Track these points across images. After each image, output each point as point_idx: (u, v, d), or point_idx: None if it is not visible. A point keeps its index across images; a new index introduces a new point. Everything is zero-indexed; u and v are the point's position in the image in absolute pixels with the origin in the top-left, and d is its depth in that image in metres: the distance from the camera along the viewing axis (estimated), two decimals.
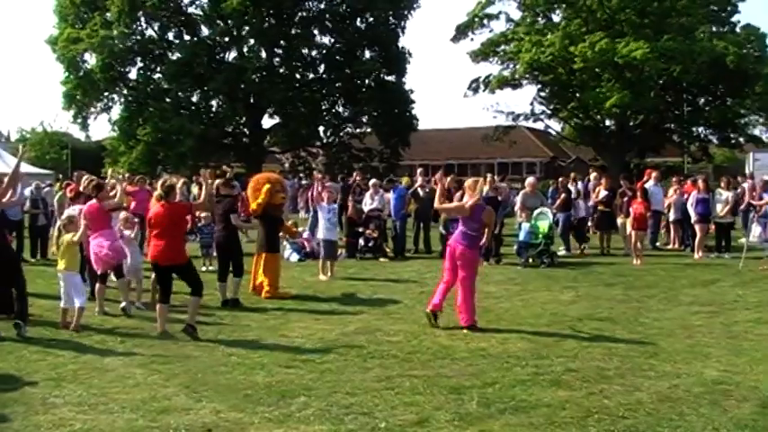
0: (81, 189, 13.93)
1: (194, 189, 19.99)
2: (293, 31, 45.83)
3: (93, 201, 11.94)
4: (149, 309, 11.97)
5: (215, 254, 16.00)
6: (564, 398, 7.45)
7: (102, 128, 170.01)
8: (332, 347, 9.66)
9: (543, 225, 18.32)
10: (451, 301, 11.17)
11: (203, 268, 17.11)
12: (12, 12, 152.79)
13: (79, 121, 48.92)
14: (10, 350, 9.78)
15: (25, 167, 41.13)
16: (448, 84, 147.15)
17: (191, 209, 12.29)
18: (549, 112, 51.03)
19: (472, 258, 11.26)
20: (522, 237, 18.29)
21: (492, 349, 9.50)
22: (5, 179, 11.87)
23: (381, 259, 19.38)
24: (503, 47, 48.38)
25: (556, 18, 47.57)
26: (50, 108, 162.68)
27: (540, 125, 55.15)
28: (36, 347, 9.91)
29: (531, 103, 50.63)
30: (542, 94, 49.63)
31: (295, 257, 19.25)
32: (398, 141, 47.95)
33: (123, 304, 12.00)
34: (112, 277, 12.43)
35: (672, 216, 21.83)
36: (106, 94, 47.73)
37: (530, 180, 20.28)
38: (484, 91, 49.59)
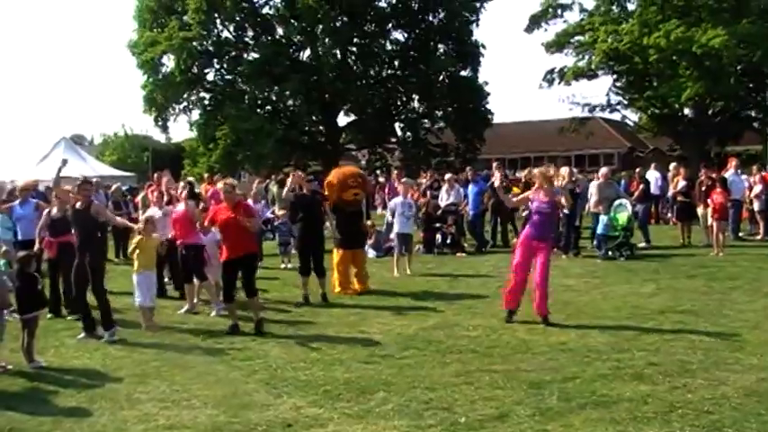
0: (163, 189, 14.17)
1: (273, 188, 20.13)
2: (366, 28, 45.85)
3: (182, 206, 12.20)
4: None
5: (293, 251, 16.20)
6: (646, 392, 7.36)
7: (181, 129, 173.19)
8: (411, 343, 9.71)
9: (622, 217, 18.07)
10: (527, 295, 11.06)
11: (282, 266, 17.36)
12: (94, 19, 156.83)
13: (159, 123, 49.79)
14: (96, 347, 10.10)
15: (108, 170, 42.31)
16: (523, 75, 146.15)
17: (252, 211, 12.15)
18: (625, 102, 50.20)
19: (548, 246, 11.24)
20: (600, 229, 18.07)
21: (572, 343, 9.43)
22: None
23: (459, 254, 19.34)
24: (577, 37, 47.73)
25: (630, 6, 46.75)
26: (131, 112, 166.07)
27: (616, 116, 54.36)
28: (121, 345, 10.21)
29: (607, 94, 49.76)
30: (618, 84, 48.78)
31: (372, 254, 19.33)
32: (473, 136, 47.69)
33: (213, 313, 12.22)
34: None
35: (756, 206, 21.32)
36: (185, 95, 48.37)
37: (602, 170, 20.00)
38: (559, 83, 48.97)
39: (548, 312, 10.81)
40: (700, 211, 20.28)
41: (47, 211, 12.43)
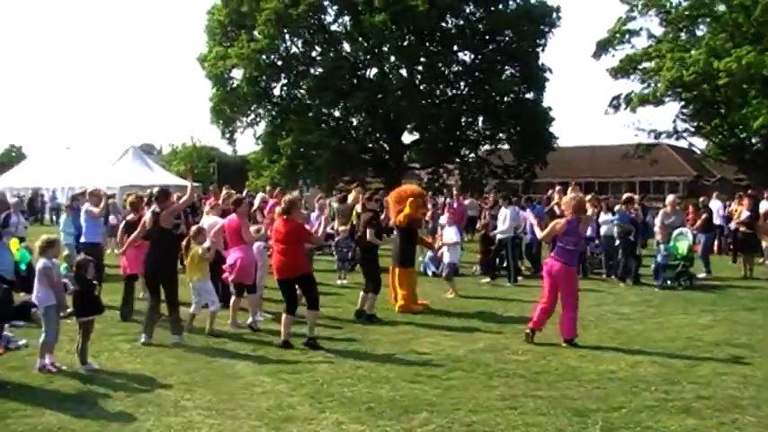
0: (220, 203, 14.39)
1: (334, 204, 20.09)
2: (433, 48, 46.04)
3: (234, 216, 12.30)
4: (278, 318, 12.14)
5: (350, 268, 16.30)
6: (692, 426, 7.25)
7: (247, 143, 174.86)
8: (458, 364, 9.69)
9: (682, 246, 17.85)
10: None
11: (338, 281, 17.43)
12: (167, 32, 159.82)
13: (227, 135, 50.49)
14: (148, 353, 10.29)
15: (174, 179, 43.01)
16: (589, 100, 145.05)
17: (308, 236, 12.15)
18: (692, 129, 49.65)
19: (571, 275, 11.24)
20: (659, 258, 17.85)
21: (621, 372, 9.33)
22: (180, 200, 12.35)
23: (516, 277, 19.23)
24: (643, 64, 47.35)
25: (699, 32, 46.25)
26: (200, 123, 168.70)
27: (683, 143, 53.77)
28: (173, 352, 10.40)
29: (674, 121, 49.42)
30: (685, 111, 48.29)
31: (431, 270, 19.35)
32: (535, 159, 47.52)
33: (250, 320, 12.32)
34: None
35: None
36: (253, 108, 49.06)
37: (670, 198, 19.82)
38: (625, 109, 48.63)
39: (573, 334, 10.94)
40: (764, 243, 19.91)
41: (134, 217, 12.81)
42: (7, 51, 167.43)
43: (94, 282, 10.06)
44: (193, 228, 12.45)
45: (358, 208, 15.04)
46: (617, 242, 18.22)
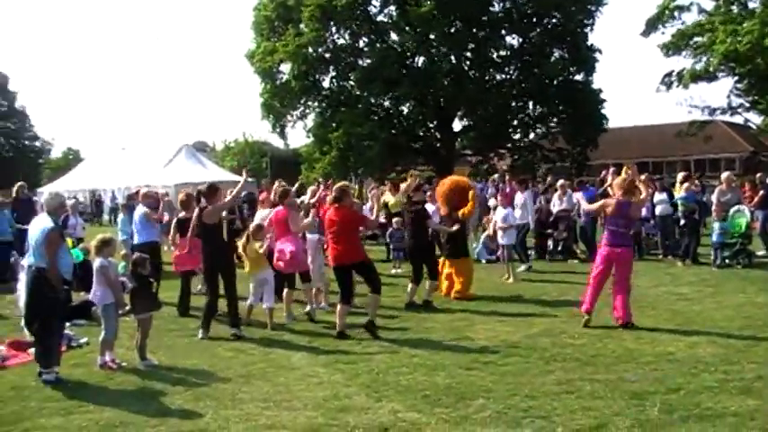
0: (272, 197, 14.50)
1: (388, 197, 20.05)
2: (480, 34, 45.75)
3: (281, 207, 12.37)
4: (335, 309, 12.21)
5: (404, 257, 16.30)
6: (753, 407, 7.11)
7: (299, 135, 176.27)
8: (514, 350, 9.66)
9: (740, 223, 17.57)
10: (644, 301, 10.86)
11: (393, 271, 17.48)
12: (214, 31, 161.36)
13: (278, 129, 50.76)
14: (205, 347, 10.44)
15: (227, 176, 43.40)
16: (639, 79, 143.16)
17: (362, 221, 12.29)
18: (747, 104, 48.78)
19: (628, 257, 11.19)
20: (715, 236, 17.57)
21: (679, 353, 9.22)
22: (228, 196, 12.46)
23: (571, 261, 19.12)
24: (695, 39, 46.56)
25: (752, 5, 45.37)
26: (251, 119, 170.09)
27: (738, 119, 52.87)
28: (229, 345, 10.54)
29: (728, 96, 48.67)
30: (739, 86, 47.46)
31: (485, 256, 19.33)
32: (587, 142, 47.02)
33: (307, 308, 12.43)
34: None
35: None
36: (302, 101, 49.22)
37: (725, 175, 19.58)
38: (677, 86, 47.94)
39: (629, 318, 10.84)
40: None
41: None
42: (63, 56, 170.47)
43: (151, 279, 10.22)
44: (254, 224, 12.54)
45: (402, 197, 14.98)
46: (682, 222, 17.96)
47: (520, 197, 18.71)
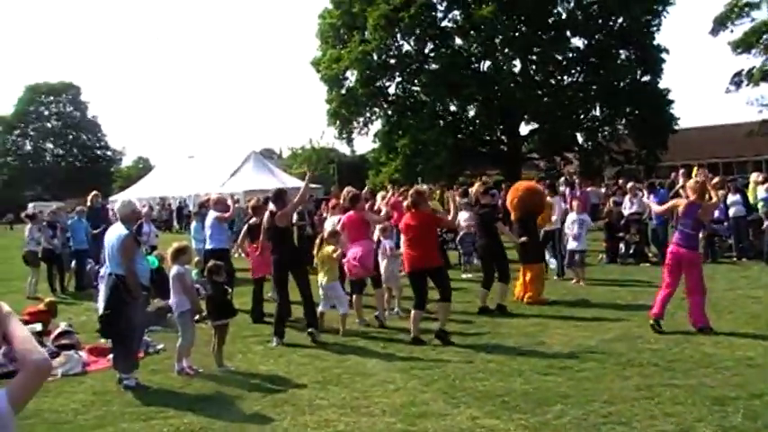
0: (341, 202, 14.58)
1: (457, 198, 20.00)
2: (545, 36, 45.44)
3: (352, 212, 12.42)
4: (406, 316, 12.16)
5: (475, 262, 16.23)
6: None
7: (365, 141, 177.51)
8: (590, 355, 9.56)
9: None
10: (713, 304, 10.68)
11: (463, 275, 17.41)
12: (280, 40, 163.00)
13: (344, 136, 51.05)
14: (281, 353, 10.52)
15: (295, 182, 43.78)
16: (708, 79, 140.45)
17: (440, 222, 12.39)
18: None
19: (695, 259, 10.99)
20: None
21: (760, 359, 9.02)
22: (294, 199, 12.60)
23: (643, 264, 18.87)
24: (765, 36, 45.61)
25: None
26: (317, 125, 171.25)
27: None
28: (304, 351, 10.60)
29: None
30: None
31: (554, 263, 19.14)
32: (656, 144, 46.31)
33: (377, 313, 12.46)
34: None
35: None
36: (368, 107, 49.40)
37: None
38: (747, 85, 47.03)
39: (707, 322, 10.65)
40: None
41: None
42: (132, 66, 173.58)
43: (226, 286, 10.35)
44: (330, 229, 12.60)
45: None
46: (766, 223, 17.67)
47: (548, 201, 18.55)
